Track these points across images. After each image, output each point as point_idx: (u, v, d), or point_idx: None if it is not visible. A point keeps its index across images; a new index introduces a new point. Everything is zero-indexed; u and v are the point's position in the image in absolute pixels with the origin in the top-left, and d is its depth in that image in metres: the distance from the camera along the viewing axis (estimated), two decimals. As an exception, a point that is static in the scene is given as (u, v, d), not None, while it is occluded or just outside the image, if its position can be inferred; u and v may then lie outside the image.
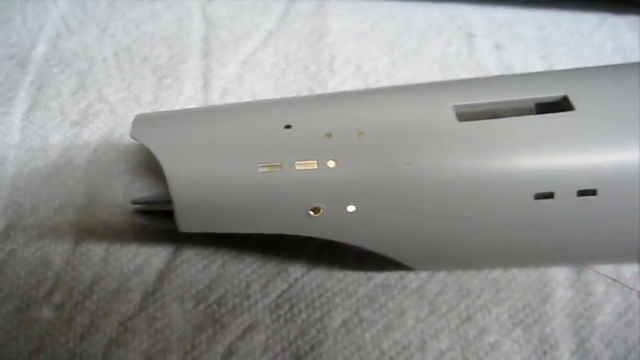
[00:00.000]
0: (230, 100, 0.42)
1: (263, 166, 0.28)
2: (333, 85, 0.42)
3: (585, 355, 0.31)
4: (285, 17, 0.48)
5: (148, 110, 0.41)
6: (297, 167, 0.28)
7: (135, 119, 0.31)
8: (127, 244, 0.35)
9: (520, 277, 0.34)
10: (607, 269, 0.34)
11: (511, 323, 0.32)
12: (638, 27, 0.46)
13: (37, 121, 0.41)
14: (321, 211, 0.28)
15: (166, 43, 0.46)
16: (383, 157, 0.28)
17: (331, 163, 0.28)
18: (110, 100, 0.42)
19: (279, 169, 0.28)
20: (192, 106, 0.42)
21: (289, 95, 0.42)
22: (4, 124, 0.41)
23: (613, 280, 0.33)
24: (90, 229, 0.36)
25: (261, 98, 0.42)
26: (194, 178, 0.29)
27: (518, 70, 0.43)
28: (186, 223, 0.29)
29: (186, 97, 0.42)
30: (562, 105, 0.29)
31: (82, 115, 0.42)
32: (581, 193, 0.28)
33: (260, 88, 0.43)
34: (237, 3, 0.49)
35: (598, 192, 0.28)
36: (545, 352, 0.31)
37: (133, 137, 0.30)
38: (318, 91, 0.42)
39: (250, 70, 0.44)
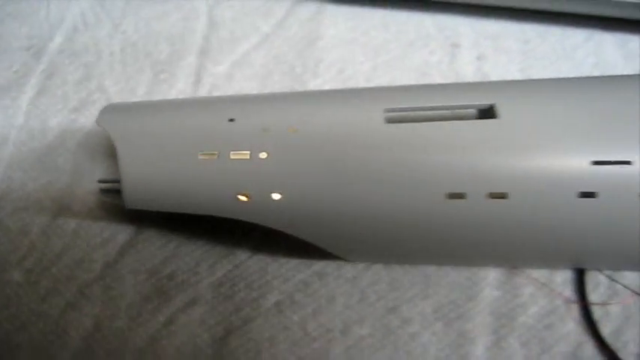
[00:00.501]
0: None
1: (203, 154, 0.31)
2: (313, 86, 0.45)
3: (499, 352, 0.33)
4: (283, 21, 0.50)
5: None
6: (232, 157, 0.31)
7: (104, 108, 0.35)
8: (97, 220, 0.39)
9: (452, 274, 0.35)
10: (539, 274, 0.35)
11: (434, 317, 0.34)
12: (623, 44, 0.46)
13: (41, 106, 0.46)
14: (250, 197, 0.31)
15: (170, 41, 0.49)
16: (311, 152, 0.31)
17: (263, 155, 0.31)
18: (109, 90, 0.46)
19: (216, 157, 0.31)
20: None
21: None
22: (12, 108, 0.45)
23: (542, 284, 0.34)
24: (68, 204, 0.40)
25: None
26: (141, 161, 0.32)
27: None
28: (131, 200, 0.33)
29: (177, 91, 0.46)
30: (488, 113, 0.31)
31: (82, 102, 0.45)
32: (492, 195, 0.29)
33: (246, 86, 0.45)
34: (242, 6, 0.52)
35: (509, 196, 0.29)
36: (460, 346, 0.33)
37: (97, 123, 0.34)
38: (300, 90, 0.45)
39: (240, 70, 0.47)
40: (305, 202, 0.31)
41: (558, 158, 0.29)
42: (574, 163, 0.29)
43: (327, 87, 0.45)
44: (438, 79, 0.45)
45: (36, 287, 0.36)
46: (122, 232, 0.38)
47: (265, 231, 0.32)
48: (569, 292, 0.35)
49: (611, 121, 0.30)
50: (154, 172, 0.32)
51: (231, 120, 0.32)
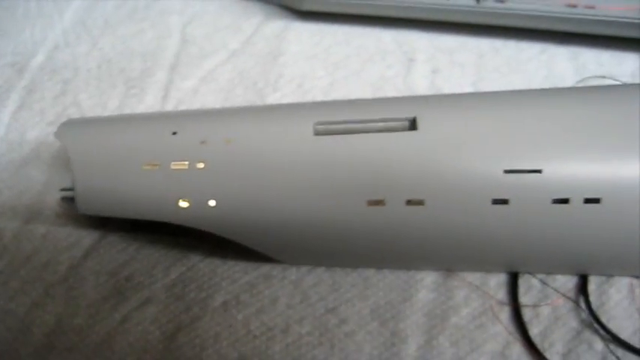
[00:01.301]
0: (183, 109, 0.48)
1: (147, 165, 0.34)
2: (272, 100, 0.47)
3: (430, 350, 0.35)
4: (251, 38, 0.53)
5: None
6: (172, 167, 0.34)
7: (62, 123, 0.38)
8: (65, 225, 0.41)
9: (390, 277, 0.37)
10: (474, 277, 0.37)
11: (370, 317, 0.36)
12: (575, 56, 0.49)
13: (20, 119, 0.49)
14: (189, 203, 0.34)
15: (143, 58, 0.52)
16: (244, 162, 0.33)
17: (200, 165, 0.34)
18: (83, 105, 0.49)
19: (158, 167, 0.34)
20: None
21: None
22: (-5, 121, 0.49)
23: (476, 286, 0.37)
24: (39, 211, 0.42)
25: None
26: (92, 171, 0.35)
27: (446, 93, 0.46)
28: (84, 206, 0.36)
29: (146, 105, 0.48)
30: (411, 125, 0.33)
31: (57, 116, 0.48)
32: (410, 202, 0.32)
33: (210, 100, 0.48)
34: (214, 23, 0.55)
35: (425, 202, 0.32)
36: (393, 344, 0.35)
37: (55, 136, 0.37)
38: (259, 104, 0.47)
39: (206, 85, 0.49)
40: (238, 208, 0.33)
41: (472, 167, 0.31)
42: (487, 171, 0.31)
43: (285, 100, 0.47)
44: (392, 93, 0.47)
45: (5, 287, 0.39)
46: (87, 237, 0.41)
47: (217, 236, 0.34)
48: (502, 294, 0.36)
49: (523, 132, 0.32)
50: (103, 181, 0.35)
51: (174, 133, 0.35)
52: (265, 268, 0.38)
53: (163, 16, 0.56)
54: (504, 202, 0.31)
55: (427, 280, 0.37)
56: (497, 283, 0.37)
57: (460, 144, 0.32)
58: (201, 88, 0.49)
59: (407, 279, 0.37)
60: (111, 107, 0.48)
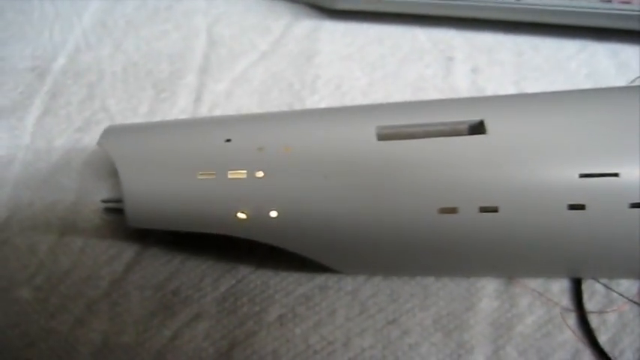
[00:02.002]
0: (217, 113, 0.46)
1: (202, 174, 0.32)
2: (311, 103, 0.46)
3: (498, 361, 0.33)
4: (280, 39, 0.51)
5: (143, 120, 0.46)
6: (229, 176, 0.32)
7: (105, 130, 0.36)
8: (103, 238, 0.40)
9: (450, 285, 0.36)
10: (536, 283, 0.36)
11: (433, 327, 0.35)
12: (615, 54, 0.47)
13: (46, 126, 0.47)
14: (248, 215, 0.32)
15: (170, 60, 0.50)
16: (304, 170, 0.32)
17: (259, 173, 0.32)
18: (111, 110, 0.47)
19: (214, 176, 0.32)
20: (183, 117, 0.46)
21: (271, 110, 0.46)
22: (18, 128, 0.47)
23: (539, 293, 0.35)
24: (75, 223, 0.40)
25: (245, 112, 0.45)
26: (143, 181, 0.33)
27: (489, 94, 0.45)
28: (134, 219, 0.34)
29: (179, 109, 0.47)
30: (478, 129, 0.32)
31: (86, 122, 0.46)
32: (484, 209, 0.30)
33: (245, 103, 0.46)
34: (240, 24, 0.53)
35: (500, 209, 0.30)
36: (460, 356, 0.34)
37: (98, 145, 0.35)
38: (298, 107, 0.46)
39: (239, 87, 0.48)
40: (301, 219, 0.32)
41: (547, 171, 0.30)
42: (562, 176, 0.30)
43: (324, 103, 0.46)
44: (433, 93, 0.46)
45: (45, 305, 0.37)
46: (128, 250, 0.39)
47: (268, 246, 0.33)
48: (566, 301, 0.35)
49: (599, 134, 0.30)
50: (154, 192, 0.33)
51: (228, 140, 0.33)
52: (320, 279, 0.37)
53: (187, 17, 0.54)
54: (581, 207, 0.30)
55: (489, 287, 0.36)
56: (560, 289, 0.36)
57: (533, 147, 0.30)
58: (234, 91, 0.47)
59: (468, 287, 0.36)
60: (142, 112, 0.46)
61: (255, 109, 0.46)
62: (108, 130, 0.36)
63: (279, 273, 0.37)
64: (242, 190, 0.32)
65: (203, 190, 0.32)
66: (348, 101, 0.46)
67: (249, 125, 0.34)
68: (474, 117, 0.32)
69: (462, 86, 0.46)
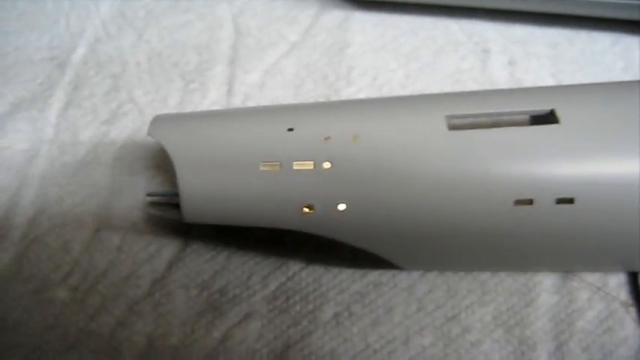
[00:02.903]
0: (251, 104, 0.44)
1: (264, 165, 0.30)
2: (347, 94, 0.44)
3: (562, 357, 0.32)
4: (309, 30, 0.50)
5: (173, 112, 0.44)
6: (295, 167, 0.30)
7: (153, 119, 0.34)
8: (141, 234, 0.38)
9: (507, 280, 0.35)
10: (593, 277, 0.35)
11: (494, 324, 0.34)
12: (651, 47, 0.47)
13: (70, 118, 0.44)
14: (314, 208, 0.30)
15: (196, 50, 0.49)
16: (374, 161, 0.30)
17: (327, 165, 0.30)
18: (139, 101, 0.45)
19: (278, 168, 0.30)
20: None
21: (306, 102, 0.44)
22: (40, 121, 0.44)
23: (597, 288, 0.34)
24: (109, 220, 0.38)
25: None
26: (200, 173, 0.31)
27: (529, 85, 0.44)
28: (190, 213, 0.32)
29: (210, 101, 0.45)
30: (549, 118, 0.31)
31: (112, 114, 0.44)
32: (560, 201, 0.29)
33: (280, 94, 0.45)
34: (266, 15, 0.51)
35: (576, 201, 0.29)
36: (523, 353, 0.32)
37: (149, 135, 0.33)
38: (334, 99, 0.44)
39: (272, 78, 0.46)
40: (370, 211, 0.30)
41: (622, 161, 0.29)
42: (637, 165, 0.29)
43: (361, 95, 0.45)
44: (472, 85, 0.45)
45: (83, 306, 0.35)
46: (168, 247, 0.37)
47: (317, 241, 0.31)
48: (624, 294, 0.34)
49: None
50: (213, 185, 0.31)
51: (290, 129, 0.31)
52: (373, 275, 0.35)
53: (210, 7, 0.52)
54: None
55: (546, 282, 0.35)
56: (617, 283, 0.35)
57: (607, 137, 0.29)
58: (267, 82, 0.46)
59: (525, 282, 0.35)
60: (172, 104, 0.45)
61: (290, 100, 0.44)
62: (156, 119, 0.34)
63: (331, 269, 0.36)
64: (309, 182, 0.30)
65: (266, 182, 0.30)
66: (385, 93, 0.45)
67: (311, 114, 0.33)
68: (543, 107, 0.31)
69: (500, 78, 0.45)
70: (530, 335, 0.33)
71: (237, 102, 0.45)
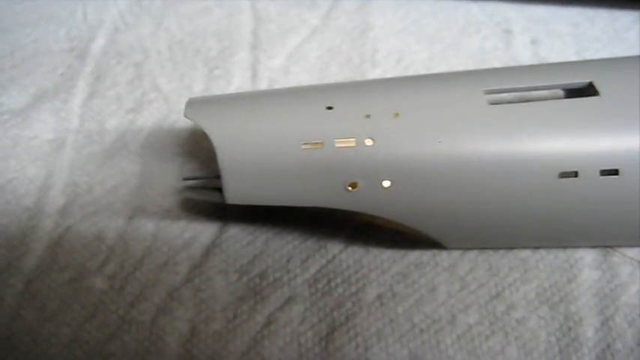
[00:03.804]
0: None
1: (306, 144, 0.30)
2: (373, 76, 0.44)
3: (609, 332, 0.32)
4: (330, 13, 0.50)
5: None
6: (337, 145, 0.30)
7: (188, 101, 0.33)
8: (176, 221, 0.37)
9: (548, 257, 0.35)
10: (634, 252, 0.35)
11: (538, 301, 0.33)
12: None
13: (94, 108, 0.44)
14: (359, 186, 0.30)
15: (217, 37, 0.48)
16: (416, 136, 0.30)
17: (369, 142, 0.30)
18: (164, 89, 0.45)
19: (321, 146, 0.30)
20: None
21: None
22: (64, 111, 0.44)
23: (639, 262, 0.34)
24: (142, 207, 0.38)
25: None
26: (241, 153, 0.31)
27: (554, 63, 0.44)
28: (232, 194, 0.31)
29: (235, 86, 0.45)
30: (588, 91, 0.31)
31: (137, 102, 0.44)
32: (604, 172, 0.29)
33: (305, 78, 0.45)
34: (284, 0, 0.51)
35: (620, 172, 0.29)
36: (569, 329, 0.32)
37: (186, 117, 0.32)
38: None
39: (296, 62, 0.46)
40: (415, 188, 0.30)
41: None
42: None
43: (388, 76, 0.44)
44: (497, 65, 0.45)
45: (121, 294, 0.34)
46: (204, 232, 0.37)
47: (357, 222, 0.31)
48: (665, 269, 0.34)
49: None
50: (255, 165, 0.31)
51: (330, 108, 0.31)
52: (414, 255, 0.35)
53: (226, -6, 0.51)
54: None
55: (587, 258, 0.35)
56: (657, 257, 0.34)
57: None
58: (291, 67, 0.46)
59: (566, 258, 0.35)
60: (197, 90, 0.44)
61: (317, 83, 0.44)
62: (192, 101, 0.34)
63: (370, 250, 0.35)
64: (352, 159, 0.30)
65: (309, 160, 0.30)
66: (411, 74, 0.44)
67: (349, 92, 0.33)
68: (581, 79, 0.31)
69: (524, 58, 0.46)
70: (576, 311, 0.33)
71: (262, 87, 0.44)
